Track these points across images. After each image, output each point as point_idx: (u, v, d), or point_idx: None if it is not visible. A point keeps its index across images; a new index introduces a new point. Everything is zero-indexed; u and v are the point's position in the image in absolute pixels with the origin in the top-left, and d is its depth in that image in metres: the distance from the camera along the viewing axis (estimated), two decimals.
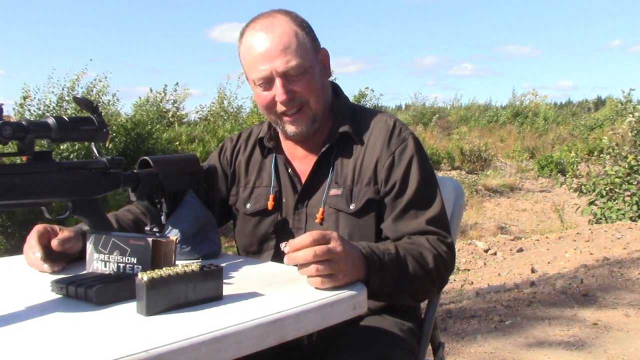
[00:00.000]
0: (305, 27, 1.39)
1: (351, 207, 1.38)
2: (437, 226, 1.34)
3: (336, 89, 1.51)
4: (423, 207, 1.35)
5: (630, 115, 7.91)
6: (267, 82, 1.37)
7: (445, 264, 1.31)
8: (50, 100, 9.34)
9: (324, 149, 1.42)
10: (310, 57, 1.38)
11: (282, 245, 1.08)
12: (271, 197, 1.47)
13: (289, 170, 1.47)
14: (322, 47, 1.44)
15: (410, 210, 1.35)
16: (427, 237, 1.32)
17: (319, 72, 1.41)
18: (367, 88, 16.07)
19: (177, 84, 15.21)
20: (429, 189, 1.38)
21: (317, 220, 1.40)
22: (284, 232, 1.44)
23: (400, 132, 1.41)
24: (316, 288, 1.07)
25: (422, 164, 1.38)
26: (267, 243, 1.48)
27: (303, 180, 1.45)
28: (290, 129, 1.41)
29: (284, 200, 1.47)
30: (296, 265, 1.08)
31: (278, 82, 1.35)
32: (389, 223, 1.36)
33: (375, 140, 1.41)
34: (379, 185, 1.38)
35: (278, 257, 1.40)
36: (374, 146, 1.40)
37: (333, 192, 1.40)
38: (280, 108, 1.39)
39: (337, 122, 1.44)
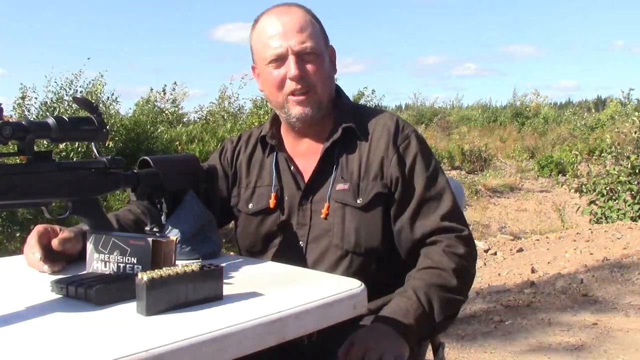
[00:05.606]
0: (318, 21, 1.46)
1: (358, 201, 1.39)
2: (453, 220, 1.36)
3: (337, 89, 1.52)
4: (435, 203, 1.37)
5: (635, 114, 7.89)
6: (281, 60, 1.39)
7: (466, 267, 1.34)
8: (51, 101, 9.33)
9: (328, 144, 1.43)
10: (323, 45, 1.43)
11: None
12: (273, 195, 1.47)
13: (291, 167, 1.47)
14: (330, 44, 1.49)
15: (423, 208, 1.37)
16: (442, 246, 1.34)
17: (328, 63, 1.45)
18: (364, 88, 15.72)
19: (175, 83, 15.25)
20: (438, 183, 1.39)
21: (322, 216, 1.41)
22: (288, 229, 1.45)
23: (403, 129, 1.43)
24: None
25: (427, 160, 1.40)
26: (271, 242, 1.48)
27: (306, 177, 1.45)
28: (296, 110, 1.41)
29: (285, 198, 1.47)
30: (298, 267, 1.09)
31: (291, 58, 1.38)
32: (405, 225, 1.37)
33: (379, 138, 1.42)
34: (385, 180, 1.39)
35: (282, 255, 1.41)
36: (378, 143, 1.41)
37: (340, 186, 1.40)
38: (289, 87, 1.40)
39: (340, 118, 1.45)
